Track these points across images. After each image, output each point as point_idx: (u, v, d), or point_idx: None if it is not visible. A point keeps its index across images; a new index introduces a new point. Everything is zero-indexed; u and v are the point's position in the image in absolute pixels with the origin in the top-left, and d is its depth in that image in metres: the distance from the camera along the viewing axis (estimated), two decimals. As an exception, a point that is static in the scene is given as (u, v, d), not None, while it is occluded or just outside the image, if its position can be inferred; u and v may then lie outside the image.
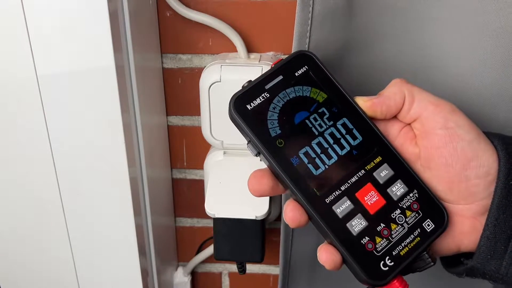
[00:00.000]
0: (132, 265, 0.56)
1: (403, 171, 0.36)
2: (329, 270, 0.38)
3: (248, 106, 0.35)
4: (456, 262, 0.38)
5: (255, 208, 0.53)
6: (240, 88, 0.36)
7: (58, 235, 0.55)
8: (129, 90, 0.50)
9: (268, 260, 0.72)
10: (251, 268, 0.73)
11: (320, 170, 0.35)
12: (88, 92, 0.47)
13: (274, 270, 0.73)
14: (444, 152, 0.34)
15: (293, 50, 0.44)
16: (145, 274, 0.59)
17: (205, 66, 0.55)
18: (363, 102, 0.37)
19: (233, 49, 0.55)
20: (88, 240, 0.55)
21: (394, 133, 0.37)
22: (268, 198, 0.53)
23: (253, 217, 0.52)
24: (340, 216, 0.34)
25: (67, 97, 0.47)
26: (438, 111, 0.35)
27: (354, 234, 0.34)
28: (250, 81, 0.36)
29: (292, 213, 0.34)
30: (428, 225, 0.35)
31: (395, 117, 0.37)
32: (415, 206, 0.35)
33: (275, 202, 0.61)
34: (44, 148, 0.50)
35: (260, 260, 0.56)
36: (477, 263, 0.35)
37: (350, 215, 0.34)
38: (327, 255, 0.34)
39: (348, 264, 0.35)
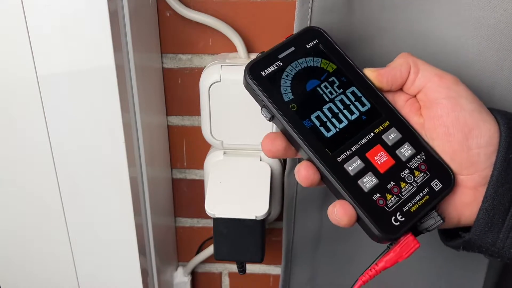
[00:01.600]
0: (132, 265, 0.56)
1: (410, 135, 0.38)
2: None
3: (263, 73, 0.37)
4: (454, 236, 0.39)
5: (255, 208, 0.53)
6: (255, 57, 0.38)
7: (58, 235, 0.55)
8: (129, 90, 0.50)
9: (268, 260, 0.72)
10: (251, 268, 0.73)
11: (331, 133, 0.37)
12: (88, 92, 0.47)
13: (274, 270, 0.73)
14: (446, 121, 0.36)
15: None
16: (145, 274, 0.59)
17: (205, 66, 0.55)
18: (370, 72, 0.38)
19: (233, 49, 0.56)
20: (88, 240, 0.55)
21: (401, 104, 0.39)
22: (268, 198, 0.53)
23: (253, 217, 0.52)
24: (352, 174, 0.36)
25: (67, 97, 0.47)
26: (442, 82, 0.37)
27: (366, 190, 0.36)
28: (263, 52, 0.39)
29: (306, 171, 0.36)
30: (436, 184, 0.37)
31: (401, 89, 0.39)
32: (423, 167, 0.37)
33: (275, 202, 0.61)
34: (44, 148, 0.50)
35: (260, 260, 0.56)
36: (474, 235, 0.36)
37: (361, 173, 0.36)
38: (344, 210, 0.35)
39: (361, 221, 0.36)
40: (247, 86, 0.38)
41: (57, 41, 0.45)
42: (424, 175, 0.37)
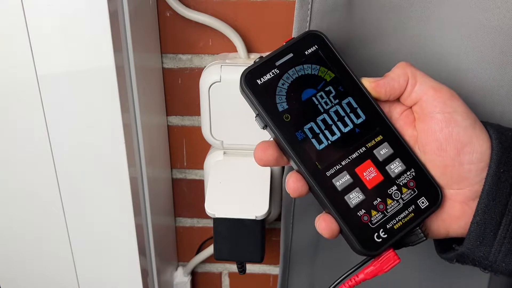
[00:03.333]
0: (132, 265, 0.56)
1: (402, 150, 0.38)
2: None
3: (258, 81, 0.37)
4: (447, 248, 0.39)
5: (255, 208, 0.53)
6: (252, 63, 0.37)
7: (58, 235, 0.55)
8: (129, 90, 0.50)
9: (268, 260, 0.72)
10: (251, 268, 0.73)
11: (323, 145, 0.37)
12: (88, 92, 0.47)
13: (274, 270, 0.73)
14: (439, 136, 0.36)
15: None
16: (145, 274, 0.59)
17: (205, 66, 0.55)
18: (368, 83, 0.38)
19: (233, 49, 0.55)
20: (88, 240, 0.55)
21: (396, 116, 0.39)
22: (268, 198, 0.53)
23: (253, 217, 0.52)
24: (339, 189, 0.36)
25: (67, 97, 0.47)
26: (438, 96, 0.36)
27: (351, 206, 0.36)
28: (261, 56, 0.38)
29: (294, 184, 0.36)
30: (423, 202, 0.37)
31: (398, 100, 0.38)
32: (411, 184, 0.37)
33: (275, 202, 0.61)
34: (44, 148, 0.50)
35: (260, 260, 0.56)
36: (466, 249, 0.36)
37: (348, 188, 0.36)
38: (326, 224, 0.36)
39: (344, 235, 0.37)
40: (243, 93, 0.37)
41: (57, 41, 0.45)
42: (412, 192, 0.37)
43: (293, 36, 0.44)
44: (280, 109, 0.37)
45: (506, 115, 0.45)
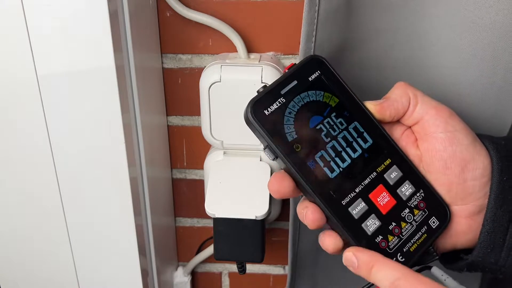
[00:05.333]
0: (132, 265, 0.56)
1: (410, 172, 0.38)
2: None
3: (265, 112, 0.36)
4: (455, 258, 0.39)
5: (255, 208, 0.53)
6: (256, 93, 0.36)
7: (58, 235, 0.55)
8: (129, 90, 0.50)
9: (268, 260, 0.72)
10: (251, 268, 0.73)
11: (335, 173, 0.36)
12: (88, 92, 0.47)
13: (274, 270, 0.73)
14: (443, 155, 0.36)
15: (300, 50, 0.44)
16: (145, 274, 0.59)
17: (205, 66, 0.56)
18: (372, 106, 0.38)
19: (233, 49, 0.55)
20: (88, 240, 0.55)
21: (397, 136, 0.39)
22: (268, 198, 0.53)
23: (253, 217, 0.52)
24: (356, 217, 0.36)
25: (67, 97, 0.47)
26: (439, 115, 0.37)
27: (369, 233, 0.36)
28: (265, 86, 0.37)
29: (313, 216, 0.36)
30: (433, 222, 0.37)
31: (398, 120, 0.38)
32: (421, 205, 0.37)
33: (275, 202, 0.61)
34: (44, 148, 0.50)
35: (260, 260, 0.56)
36: (477, 257, 0.36)
37: (365, 216, 0.36)
38: (330, 240, 0.36)
39: None
40: (250, 124, 0.36)
41: (57, 41, 0.45)
42: (423, 213, 0.37)
43: (301, 41, 0.44)
44: (290, 139, 0.36)
45: (498, 113, 0.45)
